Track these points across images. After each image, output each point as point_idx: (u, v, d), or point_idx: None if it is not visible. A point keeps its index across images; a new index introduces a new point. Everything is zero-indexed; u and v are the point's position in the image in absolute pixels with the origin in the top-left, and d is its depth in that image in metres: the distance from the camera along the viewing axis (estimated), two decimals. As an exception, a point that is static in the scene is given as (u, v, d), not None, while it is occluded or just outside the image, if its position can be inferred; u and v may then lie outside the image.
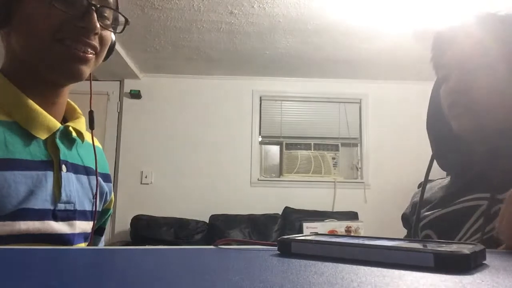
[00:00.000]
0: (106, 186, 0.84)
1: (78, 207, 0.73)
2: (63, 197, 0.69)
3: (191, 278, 0.30)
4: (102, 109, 4.22)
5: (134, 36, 3.36)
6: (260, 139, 4.37)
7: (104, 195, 0.84)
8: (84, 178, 0.76)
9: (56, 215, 0.68)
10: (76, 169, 0.74)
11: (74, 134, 0.75)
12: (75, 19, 0.65)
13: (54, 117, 0.71)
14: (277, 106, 4.41)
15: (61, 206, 0.69)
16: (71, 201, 0.71)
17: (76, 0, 0.66)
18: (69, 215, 0.71)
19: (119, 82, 4.29)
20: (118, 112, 4.29)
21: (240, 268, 0.35)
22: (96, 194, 0.77)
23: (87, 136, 0.80)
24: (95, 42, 0.69)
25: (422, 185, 0.82)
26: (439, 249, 0.36)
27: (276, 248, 0.46)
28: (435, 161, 0.82)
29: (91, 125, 0.80)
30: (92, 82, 0.78)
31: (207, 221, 3.96)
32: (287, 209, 4.06)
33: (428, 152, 0.84)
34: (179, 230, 3.83)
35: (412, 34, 3.20)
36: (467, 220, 0.73)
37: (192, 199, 4.14)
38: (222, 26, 3.20)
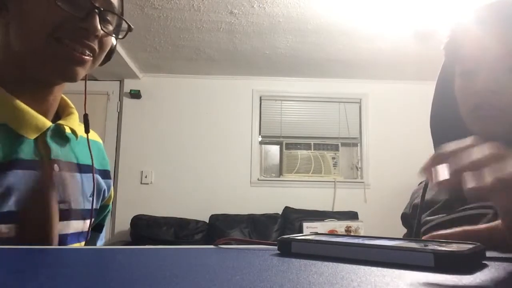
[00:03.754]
0: (104, 183, 0.82)
1: (73, 207, 0.71)
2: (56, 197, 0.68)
3: (191, 278, 0.30)
4: (102, 109, 4.22)
5: (134, 36, 3.36)
6: (260, 139, 4.37)
7: (102, 192, 0.82)
8: (79, 176, 0.75)
9: None
10: (70, 167, 0.73)
11: (67, 131, 0.73)
12: (77, 19, 0.64)
13: (45, 114, 0.70)
14: (277, 106, 4.41)
15: None
16: (65, 200, 0.70)
17: (80, 1, 0.65)
18: (63, 215, 0.69)
19: (119, 82, 4.29)
20: (118, 112, 4.28)
21: (240, 267, 0.35)
22: (93, 191, 0.76)
23: (83, 131, 0.78)
24: (94, 45, 0.68)
25: (423, 187, 0.78)
26: (439, 249, 0.36)
27: (276, 247, 0.46)
28: None
29: (86, 129, 0.77)
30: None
31: (207, 221, 3.96)
32: (287, 209, 4.06)
33: (429, 151, 0.83)
34: (179, 230, 3.83)
35: (412, 34, 3.20)
36: None
37: (192, 199, 4.14)
38: (222, 26, 3.20)
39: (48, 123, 0.69)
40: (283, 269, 0.34)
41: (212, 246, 0.50)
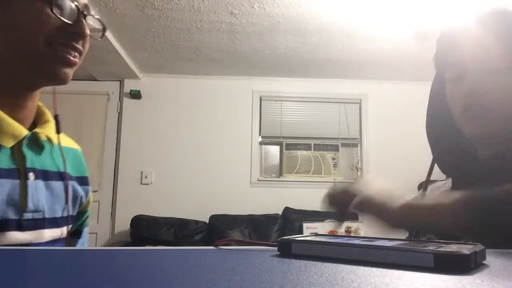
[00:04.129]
0: (81, 190, 0.83)
1: (47, 215, 0.72)
2: (30, 206, 0.68)
3: (191, 278, 0.30)
4: (102, 109, 4.21)
5: (134, 36, 3.36)
6: (260, 139, 4.37)
7: (79, 199, 0.83)
8: (55, 184, 0.75)
9: (22, 225, 0.67)
10: (45, 175, 0.73)
11: (43, 138, 0.74)
12: (66, 24, 0.67)
13: (22, 122, 0.71)
14: (277, 106, 4.41)
15: (28, 216, 0.68)
16: (39, 209, 0.70)
17: (69, 8, 0.68)
18: (37, 224, 0.70)
19: (119, 82, 4.29)
20: (118, 112, 4.28)
21: (240, 268, 0.35)
22: (67, 198, 0.76)
23: (61, 139, 0.79)
24: (81, 47, 0.71)
25: (423, 189, 0.80)
26: (439, 249, 0.36)
27: (276, 248, 0.46)
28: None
29: (57, 129, 0.79)
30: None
31: (207, 221, 3.95)
32: (287, 209, 4.06)
33: (429, 152, 0.83)
34: (179, 230, 3.83)
35: (412, 35, 3.20)
36: None
37: (192, 199, 4.13)
38: (222, 26, 3.20)
39: (25, 132, 0.70)
40: (283, 270, 0.34)
41: (212, 247, 0.50)
